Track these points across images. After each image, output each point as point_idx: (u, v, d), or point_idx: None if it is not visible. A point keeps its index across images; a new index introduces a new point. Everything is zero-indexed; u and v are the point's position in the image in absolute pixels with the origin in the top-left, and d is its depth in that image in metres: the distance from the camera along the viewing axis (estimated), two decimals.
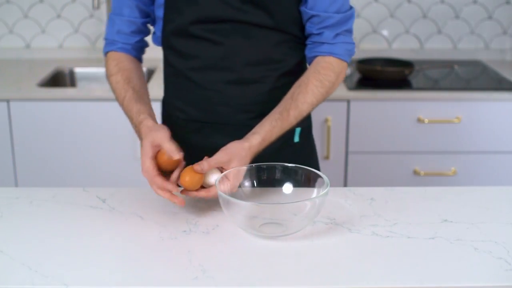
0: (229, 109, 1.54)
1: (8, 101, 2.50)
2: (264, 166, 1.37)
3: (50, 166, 2.56)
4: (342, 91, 2.56)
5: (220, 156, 1.33)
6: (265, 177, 1.37)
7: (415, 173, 2.62)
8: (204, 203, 1.39)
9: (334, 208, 1.38)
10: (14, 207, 1.40)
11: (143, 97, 1.50)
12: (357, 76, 2.76)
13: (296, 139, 1.61)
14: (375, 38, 3.07)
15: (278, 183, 1.37)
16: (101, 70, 2.91)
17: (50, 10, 3.01)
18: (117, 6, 1.57)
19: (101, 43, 3.03)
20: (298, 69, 1.55)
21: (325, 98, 1.52)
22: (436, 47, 3.08)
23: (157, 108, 1.64)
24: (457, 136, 2.58)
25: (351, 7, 1.52)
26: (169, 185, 1.30)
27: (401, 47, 3.08)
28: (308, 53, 1.55)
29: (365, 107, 2.55)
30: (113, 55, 1.58)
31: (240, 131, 1.43)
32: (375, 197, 1.44)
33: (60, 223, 1.32)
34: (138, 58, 1.63)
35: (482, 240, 1.25)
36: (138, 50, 1.61)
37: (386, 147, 2.59)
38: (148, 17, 1.58)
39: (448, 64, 2.93)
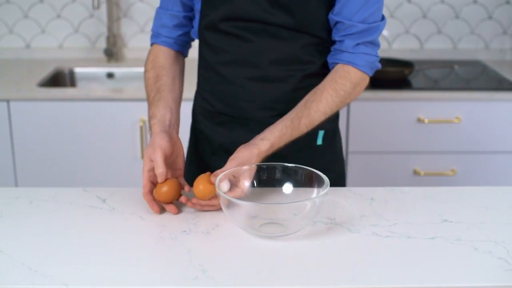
0: (252, 105, 1.56)
1: (8, 101, 2.50)
2: (264, 166, 1.37)
3: (50, 166, 2.56)
4: None
5: (231, 165, 1.35)
6: (265, 177, 1.37)
7: (415, 173, 2.62)
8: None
9: (334, 208, 1.38)
10: (14, 207, 1.40)
11: (163, 98, 1.52)
12: None
13: (319, 141, 1.61)
14: None
15: (278, 183, 1.37)
16: (101, 70, 2.91)
17: (50, 10, 3.01)
18: (163, 1, 1.63)
19: (101, 43, 3.03)
20: (324, 72, 1.55)
21: (340, 108, 1.51)
22: (436, 47, 3.08)
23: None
24: (457, 136, 2.58)
25: (382, 18, 1.50)
26: (154, 207, 1.36)
27: (401, 47, 3.08)
28: (329, 59, 1.54)
29: (365, 107, 2.55)
30: (154, 49, 1.63)
31: (261, 128, 1.45)
32: (375, 197, 1.44)
33: (60, 223, 1.32)
34: (182, 52, 1.66)
35: (482, 240, 1.25)
36: (181, 45, 1.65)
37: (386, 147, 2.59)
38: (191, 11, 1.62)
39: (448, 64, 2.93)
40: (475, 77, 2.82)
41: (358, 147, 2.59)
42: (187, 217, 1.34)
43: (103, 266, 1.15)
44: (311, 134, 1.51)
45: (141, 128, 2.51)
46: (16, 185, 2.56)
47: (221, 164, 1.39)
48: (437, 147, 2.60)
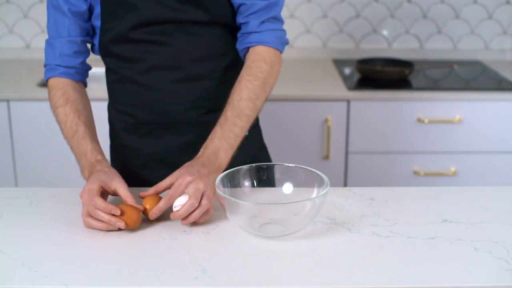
0: (179, 107, 1.54)
1: (8, 101, 2.50)
2: (264, 166, 1.37)
3: (50, 166, 2.56)
4: (342, 91, 2.56)
5: (166, 179, 1.32)
6: (265, 177, 1.37)
7: (415, 173, 2.62)
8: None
9: (334, 208, 1.38)
10: (14, 207, 1.40)
11: (94, 135, 1.47)
12: (357, 76, 2.76)
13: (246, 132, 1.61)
14: (375, 38, 3.07)
15: (278, 183, 1.37)
16: (100, 70, 2.89)
17: None
18: (54, 29, 1.52)
19: None
20: (243, 62, 1.54)
21: (267, 90, 1.47)
22: (436, 47, 3.08)
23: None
24: (457, 136, 2.58)
25: None
26: (110, 206, 1.26)
27: (401, 47, 3.08)
28: (239, 46, 1.52)
29: (365, 107, 2.55)
30: (57, 83, 1.53)
31: (191, 128, 1.45)
32: (375, 197, 1.44)
33: (60, 223, 1.32)
34: (83, 82, 1.59)
35: (482, 240, 1.25)
36: (82, 74, 1.57)
37: (386, 147, 2.59)
38: (87, 35, 1.55)
39: (448, 64, 2.93)
40: (475, 77, 2.82)
41: (358, 147, 2.59)
42: None
43: (103, 266, 1.15)
44: None
45: None
46: (16, 185, 2.56)
47: (154, 175, 1.39)
48: (437, 147, 2.60)
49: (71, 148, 1.47)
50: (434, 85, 2.71)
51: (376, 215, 1.36)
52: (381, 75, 2.70)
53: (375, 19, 3.05)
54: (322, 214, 1.34)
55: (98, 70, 2.89)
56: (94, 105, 1.60)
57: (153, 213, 1.29)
